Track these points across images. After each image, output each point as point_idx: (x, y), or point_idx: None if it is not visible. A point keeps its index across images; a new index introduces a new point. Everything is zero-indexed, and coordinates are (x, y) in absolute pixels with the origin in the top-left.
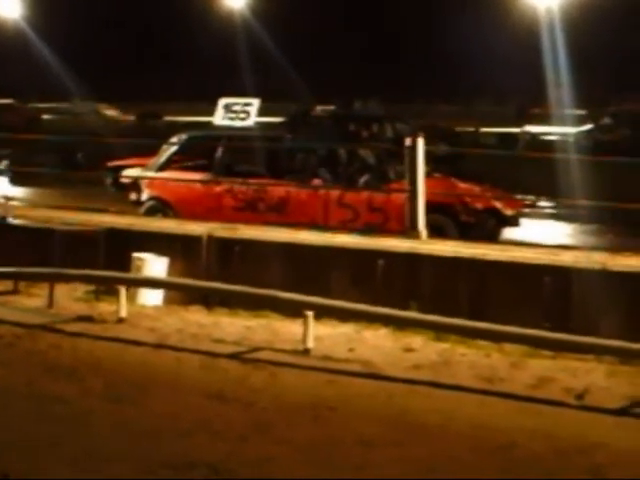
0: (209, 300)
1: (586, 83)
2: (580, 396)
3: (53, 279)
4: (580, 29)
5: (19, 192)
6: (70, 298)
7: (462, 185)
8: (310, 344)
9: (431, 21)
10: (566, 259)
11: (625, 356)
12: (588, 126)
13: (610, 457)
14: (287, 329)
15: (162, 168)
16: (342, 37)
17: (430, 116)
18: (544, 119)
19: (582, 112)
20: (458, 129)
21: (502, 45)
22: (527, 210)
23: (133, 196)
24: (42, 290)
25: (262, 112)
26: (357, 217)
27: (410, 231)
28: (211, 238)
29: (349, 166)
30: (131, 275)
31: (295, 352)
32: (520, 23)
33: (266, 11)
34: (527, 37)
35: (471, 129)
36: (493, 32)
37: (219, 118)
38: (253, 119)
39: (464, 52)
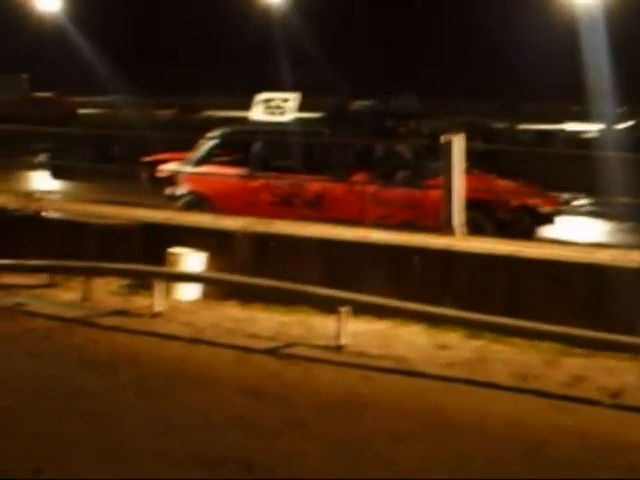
0: (244, 295)
1: (626, 79)
2: (614, 395)
3: (89, 273)
4: (620, 24)
5: (56, 185)
6: (106, 292)
7: (499, 182)
8: (345, 340)
9: (469, 17)
10: (603, 257)
11: None
12: (629, 123)
13: None
14: (322, 325)
15: (200, 163)
16: (380, 32)
17: (467, 112)
18: (582, 116)
19: (622, 109)
20: (496, 126)
21: (539, 42)
22: (564, 207)
23: (169, 190)
24: (78, 284)
25: (300, 107)
26: (394, 213)
27: (446, 228)
28: (247, 233)
29: (386, 162)
30: (167, 269)
31: (330, 348)
32: (559, 19)
33: (304, 5)
34: (565, 32)
35: (505, 125)
36: (530, 28)
37: (257, 113)
38: (292, 114)
39: (502, 49)
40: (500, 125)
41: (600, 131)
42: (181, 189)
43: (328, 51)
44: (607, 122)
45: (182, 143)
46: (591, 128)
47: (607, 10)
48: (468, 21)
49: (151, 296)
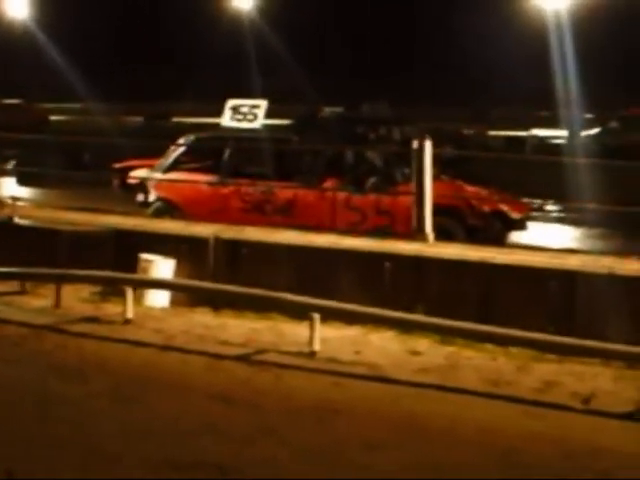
0: (215, 302)
1: (594, 86)
2: (586, 400)
3: (59, 280)
4: (588, 31)
5: (26, 192)
6: (76, 299)
7: (469, 188)
8: (316, 346)
9: (439, 24)
10: (573, 263)
11: (631, 360)
12: (595, 130)
13: (616, 461)
14: (293, 331)
15: (169, 169)
16: (350, 39)
17: (437, 118)
18: (551, 122)
19: (590, 115)
20: (467, 132)
21: (510, 48)
22: (534, 213)
23: (140, 197)
24: (49, 290)
25: (270, 114)
26: (364, 220)
27: (417, 234)
28: (218, 240)
29: (356, 168)
30: (137, 276)
31: (301, 354)
32: (528, 26)
33: (274, 13)
34: (535, 40)
35: (475, 131)
36: (501, 35)
37: (227, 120)
38: (260, 121)
39: (472, 55)
40: (470, 131)
41: (566, 137)
42: (151, 196)
43: (300, 57)
44: (572, 128)
45: (153, 150)
46: (560, 134)
47: (575, 17)
48: (441, 28)
49: (122, 303)
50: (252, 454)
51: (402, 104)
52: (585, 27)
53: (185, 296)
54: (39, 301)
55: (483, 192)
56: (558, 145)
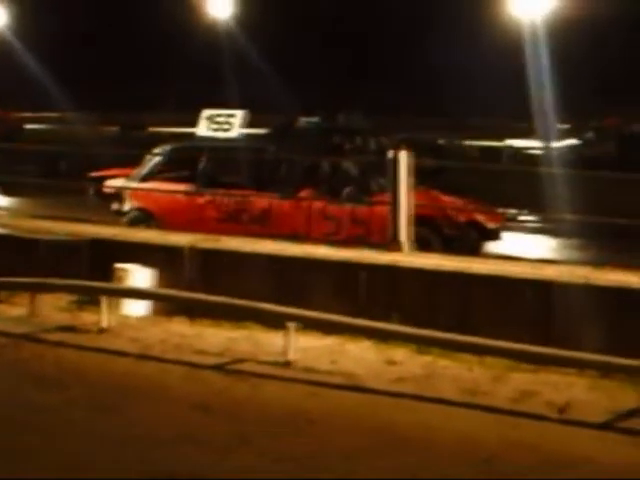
0: (192, 311)
1: (570, 97)
2: (561, 410)
3: (36, 289)
4: (564, 42)
5: (1, 201)
6: (53, 308)
7: (445, 198)
8: (292, 356)
9: (415, 36)
10: (549, 273)
11: (606, 370)
12: (571, 140)
13: (590, 470)
14: (270, 341)
15: (145, 179)
16: (327, 50)
17: (413, 129)
18: (527, 133)
19: (566, 126)
20: (443, 142)
21: (486, 59)
22: (510, 224)
23: (115, 206)
24: (25, 299)
25: (246, 123)
26: (340, 229)
27: (392, 244)
28: (194, 249)
29: (332, 178)
30: (114, 285)
31: (277, 364)
32: (504, 37)
33: (251, 23)
34: (511, 51)
35: (454, 142)
36: (477, 46)
37: (203, 129)
38: (238, 130)
39: (447, 66)
40: (447, 141)
41: (542, 148)
42: (127, 205)
43: (276, 67)
44: (548, 139)
45: (129, 159)
46: (536, 144)
47: (552, 28)
48: (418, 39)
49: (99, 312)
50: (229, 463)
51: (378, 114)
52: (563, 38)
53: (161, 305)
54: (15, 310)
55: (459, 202)
56: (534, 155)
